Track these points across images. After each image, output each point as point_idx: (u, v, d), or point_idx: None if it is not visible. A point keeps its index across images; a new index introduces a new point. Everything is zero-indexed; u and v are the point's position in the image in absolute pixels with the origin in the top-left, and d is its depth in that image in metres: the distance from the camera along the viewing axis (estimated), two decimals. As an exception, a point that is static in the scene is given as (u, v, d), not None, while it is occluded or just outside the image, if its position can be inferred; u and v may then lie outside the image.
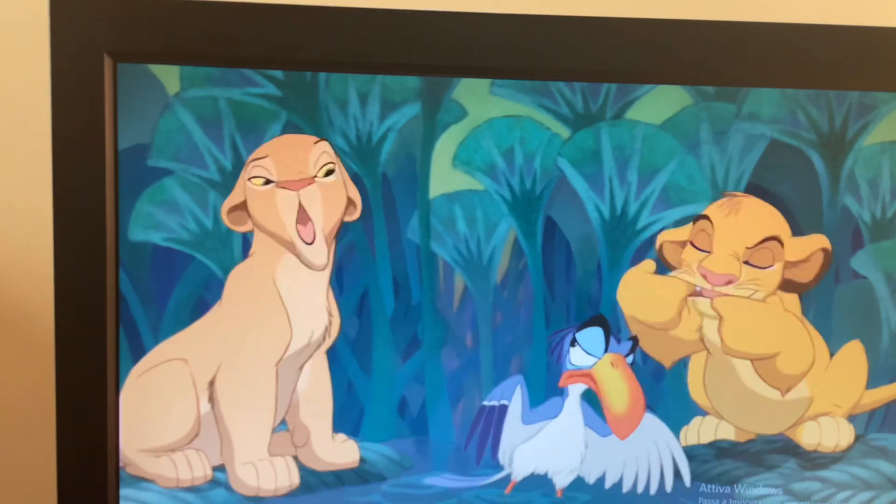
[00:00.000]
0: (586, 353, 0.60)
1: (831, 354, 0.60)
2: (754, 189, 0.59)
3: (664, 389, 0.61)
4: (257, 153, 0.58)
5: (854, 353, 0.60)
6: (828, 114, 0.58)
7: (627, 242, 0.59)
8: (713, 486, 0.61)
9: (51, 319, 0.59)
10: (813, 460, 0.61)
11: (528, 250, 0.60)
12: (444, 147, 0.59)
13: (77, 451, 0.59)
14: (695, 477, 0.61)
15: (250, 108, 0.58)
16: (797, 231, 0.59)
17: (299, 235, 0.59)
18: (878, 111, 0.58)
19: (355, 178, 0.59)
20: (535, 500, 0.61)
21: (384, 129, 0.58)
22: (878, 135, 0.59)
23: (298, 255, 0.59)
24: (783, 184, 0.59)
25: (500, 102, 0.58)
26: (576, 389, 0.61)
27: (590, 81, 0.58)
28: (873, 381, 0.60)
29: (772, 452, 0.61)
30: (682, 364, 0.61)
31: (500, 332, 0.60)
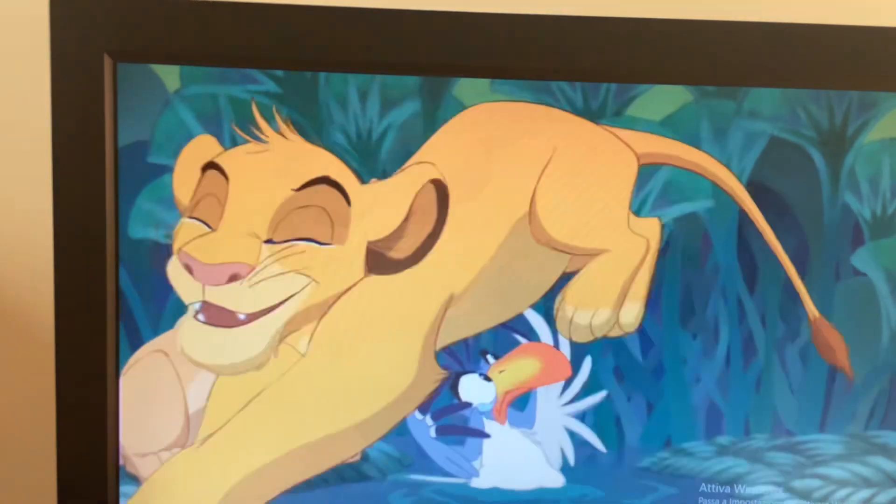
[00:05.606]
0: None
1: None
2: (755, 186, 0.59)
3: (664, 388, 0.61)
4: None
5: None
6: (828, 111, 0.58)
7: (627, 241, 0.60)
8: (713, 486, 0.61)
9: (51, 318, 0.59)
10: (813, 458, 0.61)
11: (529, 249, 0.59)
12: (445, 145, 0.59)
13: (77, 450, 0.59)
14: (694, 475, 0.61)
15: (250, 106, 0.58)
16: (796, 234, 0.59)
17: None
18: (878, 108, 0.58)
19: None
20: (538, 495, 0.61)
21: (384, 127, 0.58)
22: (879, 132, 0.59)
23: None
24: (783, 181, 0.59)
25: (501, 100, 0.58)
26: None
27: (590, 81, 0.58)
28: (873, 380, 0.60)
29: (772, 450, 0.61)
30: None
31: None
